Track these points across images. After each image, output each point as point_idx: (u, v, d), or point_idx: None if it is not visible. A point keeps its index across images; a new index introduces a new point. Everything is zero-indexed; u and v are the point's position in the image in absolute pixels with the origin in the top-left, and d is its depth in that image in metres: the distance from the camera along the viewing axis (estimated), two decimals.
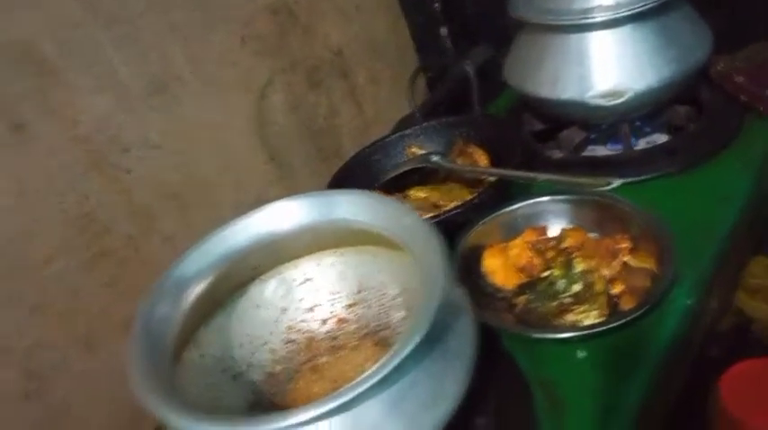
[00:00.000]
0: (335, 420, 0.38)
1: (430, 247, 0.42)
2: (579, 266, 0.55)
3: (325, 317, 0.56)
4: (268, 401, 0.52)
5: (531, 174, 0.57)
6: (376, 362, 0.53)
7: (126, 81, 0.61)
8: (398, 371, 0.37)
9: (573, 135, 0.75)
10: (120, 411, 0.65)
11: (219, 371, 0.51)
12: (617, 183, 0.53)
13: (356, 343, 0.55)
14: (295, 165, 0.83)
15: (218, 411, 0.48)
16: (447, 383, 0.41)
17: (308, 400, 0.50)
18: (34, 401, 0.58)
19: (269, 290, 0.55)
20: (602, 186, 0.53)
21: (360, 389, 0.36)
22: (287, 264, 0.55)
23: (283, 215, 0.49)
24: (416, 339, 0.37)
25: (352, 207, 0.46)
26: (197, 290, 0.48)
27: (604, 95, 0.64)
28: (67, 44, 0.57)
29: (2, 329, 0.56)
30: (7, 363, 0.56)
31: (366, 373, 0.37)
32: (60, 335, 0.60)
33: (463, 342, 0.44)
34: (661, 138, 0.75)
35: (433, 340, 0.39)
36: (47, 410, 0.59)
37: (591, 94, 0.66)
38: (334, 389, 0.51)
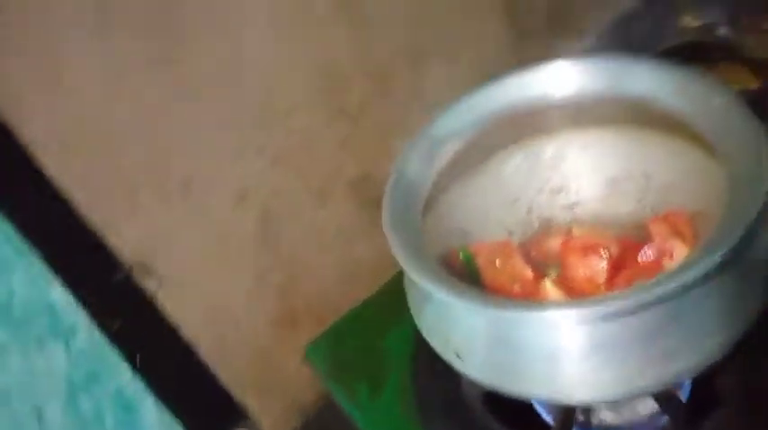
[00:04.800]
0: (608, 324, 0.33)
1: (747, 139, 0.34)
2: None
3: (570, 202, 0.50)
4: None
5: None
6: None
7: None
8: (696, 281, 0.31)
9: None
10: (341, 263, 0.66)
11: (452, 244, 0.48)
12: None
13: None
14: (535, 27, 0.74)
15: None
16: (740, 302, 0.35)
17: None
18: (267, 245, 0.61)
19: (514, 163, 0.50)
20: None
21: (656, 292, 0.30)
22: (539, 136, 0.48)
23: (560, 79, 0.42)
24: (724, 248, 0.30)
25: (648, 79, 0.38)
26: (445, 153, 0.44)
27: None
28: None
29: (248, 176, 0.57)
30: (249, 208, 0.59)
31: (660, 277, 0.31)
32: (296, 186, 0.61)
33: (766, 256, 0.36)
34: None
35: (737, 251, 0.32)
36: (277, 256, 0.62)
37: None
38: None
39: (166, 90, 0.50)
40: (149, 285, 0.55)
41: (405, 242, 0.36)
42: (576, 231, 0.47)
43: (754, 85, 0.58)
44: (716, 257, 0.30)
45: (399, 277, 0.42)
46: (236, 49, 0.53)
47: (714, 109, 0.36)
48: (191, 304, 0.58)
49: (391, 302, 0.45)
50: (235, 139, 0.56)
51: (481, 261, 0.43)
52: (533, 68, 0.43)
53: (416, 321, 0.41)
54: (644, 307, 0.31)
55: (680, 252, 0.39)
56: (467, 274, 0.42)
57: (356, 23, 0.59)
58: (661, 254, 0.40)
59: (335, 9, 0.57)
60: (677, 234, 0.41)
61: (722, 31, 0.58)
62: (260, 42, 0.54)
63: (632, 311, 0.31)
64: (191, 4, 0.49)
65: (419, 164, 0.42)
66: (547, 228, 0.50)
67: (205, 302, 0.59)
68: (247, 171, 0.58)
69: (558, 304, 0.34)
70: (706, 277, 0.31)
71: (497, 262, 0.42)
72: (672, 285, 0.30)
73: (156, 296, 0.55)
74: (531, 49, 0.70)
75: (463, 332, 0.36)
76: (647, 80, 0.39)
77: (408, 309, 0.41)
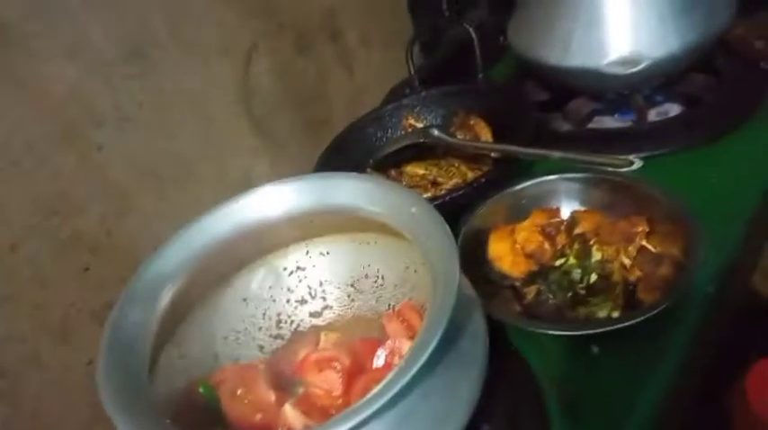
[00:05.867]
0: None
1: (440, 240, 0.37)
2: (597, 255, 0.51)
3: (318, 309, 0.52)
4: None
5: (545, 152, 0.52)
6: None
7: (98, 46, 0.54)
8: (409, 385, 0.32)
9: (581, 106, 0.70)
10: (97, 404, 0.60)
11: (201, 372, 0.46)
12: (639, 163, 0.48)
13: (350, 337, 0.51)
14: (281, 136, 0.77)
15: None
16: (460, 391, 0.37)
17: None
18: (2, 401, 0.54)
19: (256, 281, 0.50)
20: (624, 167, 0.48)
21: (366, 413, 0.31)
22: (275, 253, 0.50)
23: (274, 200, 0.44)
24: (428, 350, 0.33)
25: (352, 193, 0.41)
26: (176, 286, 0.43)
27: (622, 63, 0.59)
28: (34, 7, 0.50)
29: None
30: None
31: (373, 392, 0.32)
32: (31, 327, 0.55)
33: (476, 342, 0.39)
34: (674, 109, 0.70)
35: (445, 345, 0.35)
36: (17, 408, 0.55)
37: (606, 61, 0.60)
38: None
39: None
40: None
41: (120, 402, 0.34)
42: (324, 338, 0.48)
43: (470, 175, 0.65)
44: (421, 361, 0.32)
45: None
46: None
47: (412, 216, 0.39)
48: None
49: None
50: None
51: (224, 390, 0.41)
52: (249, 193, 0.44)
53: None
54: (371, 418, 0.32)
55: (407, 349, 0.41)
56: (209, 408, 0.41)
57: (85, 151, 0.56)
58: (393, 353, 0.41)
59: (61, 143, 0.54)
60: (408, 328, 0.44)
61: (439, 130, 0.65)
62: None
63: (361, 424, 0.32)
64: None
65: (140, 307, 0.40)
66: (298, 337, 0.50)
67: None
68: None
69: None
70: (422, 374, 0.32)
71: (239, 391, 0.41)
72: (387, 396, 0.31)
73: None
74: (280, 160, 0.73)
75: None
76: (351, 193, 0.42)
77: None
